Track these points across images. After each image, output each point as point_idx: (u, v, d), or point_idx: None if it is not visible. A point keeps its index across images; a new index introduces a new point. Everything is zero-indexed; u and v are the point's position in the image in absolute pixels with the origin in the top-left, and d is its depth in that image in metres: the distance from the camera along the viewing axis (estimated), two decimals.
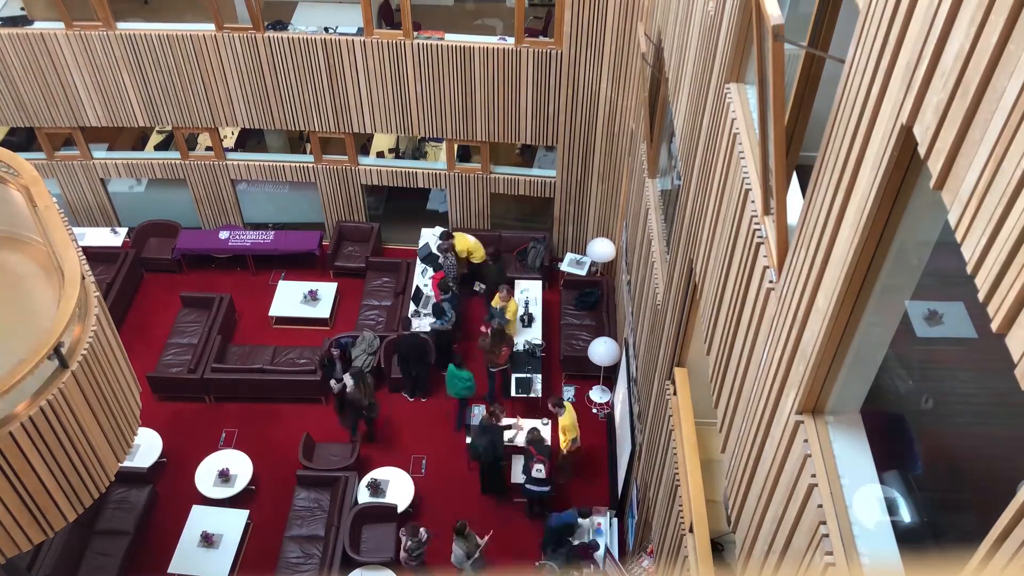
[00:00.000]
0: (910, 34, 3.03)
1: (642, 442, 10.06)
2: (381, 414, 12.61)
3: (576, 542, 10.88)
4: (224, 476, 11.75)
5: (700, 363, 7.38)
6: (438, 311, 12.95)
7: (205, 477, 11.79)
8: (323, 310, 14.08)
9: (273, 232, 14.96)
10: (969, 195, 2.56)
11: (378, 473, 11.86)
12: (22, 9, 13.29)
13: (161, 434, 12.26)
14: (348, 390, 11.84)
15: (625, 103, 12.82)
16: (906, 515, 3.96)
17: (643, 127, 10.75)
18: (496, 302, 12.84)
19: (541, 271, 14.41)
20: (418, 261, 14.42)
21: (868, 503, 3.81)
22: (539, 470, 11.02)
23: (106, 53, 13.07)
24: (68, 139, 14.60)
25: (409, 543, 10.41)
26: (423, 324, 13.46)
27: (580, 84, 12.78)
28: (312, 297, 14.12)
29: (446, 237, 13.75)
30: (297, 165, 14.65)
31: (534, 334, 13.32)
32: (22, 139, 15.04)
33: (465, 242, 13.90)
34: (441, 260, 13.74)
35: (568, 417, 11.50)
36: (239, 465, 11.94)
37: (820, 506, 3.79)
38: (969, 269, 2.55)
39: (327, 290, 14.28)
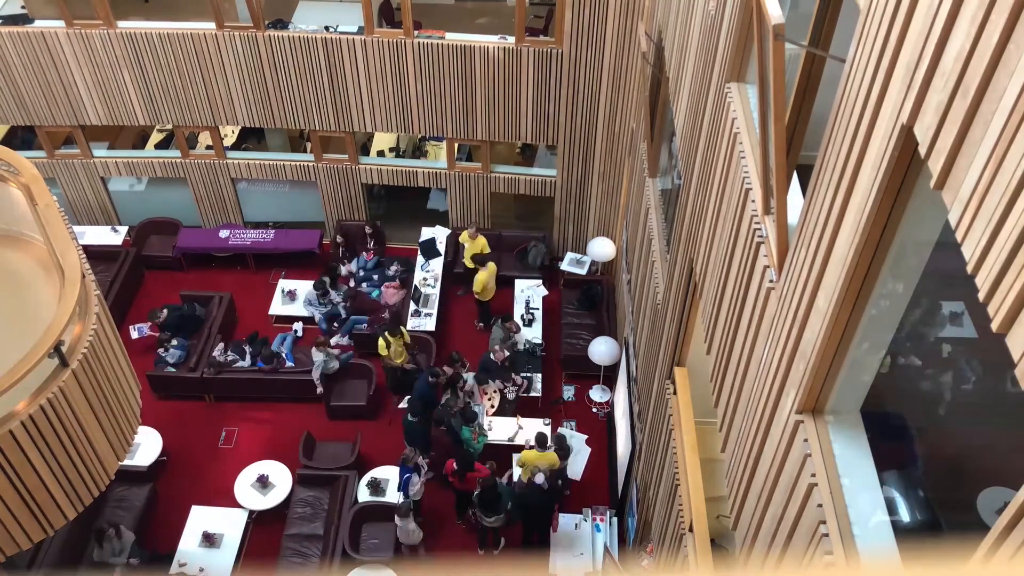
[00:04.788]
0: (911, 34, 3.03)
1: (642, 441, 10.06)
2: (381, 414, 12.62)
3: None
4: (263, 483, 11.67)
5: (700, 363, 7.38)
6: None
7: (243, 482, 11.74)
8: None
9: (273, 231, 14.96)
10: (969, 195, 2.56)
11: (378, 472, 11.85)
12: (23, 7, 13.28)
13: (161, 433, 12.27)
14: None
15: (626, 102, 12.82)
16: (906, 515, 3.97)
17: (643, 126, 10.75)
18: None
19: (541, 271, 14.41)
20: (419, 257, 14.42)
21: (868, 503, 3.81)
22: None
23: (107, 51, 13.07)
24: (68, 138, 14.61)
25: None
26: (423, 323, 13.46)
27: (580, 84, 12.78)
28: (290, 298, 14.10)
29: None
30: (297, 164, 14.64)
31: (534, 334, 13.32)
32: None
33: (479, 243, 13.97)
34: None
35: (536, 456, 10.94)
36: (279, 474, 11.85)
37: (820, 506, 3.79)
38: (969, 269, 2.55)
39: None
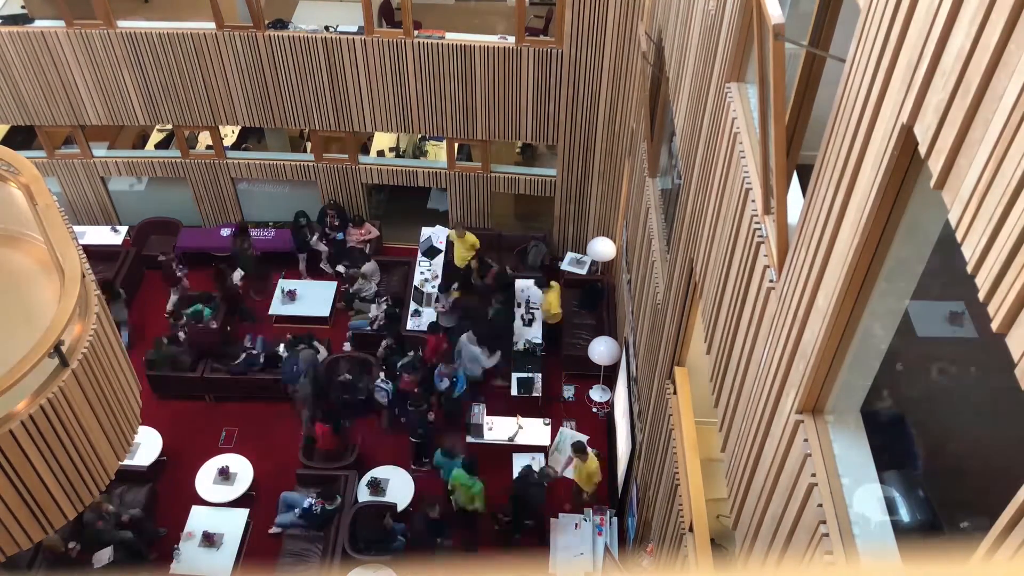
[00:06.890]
0: (911, 34, 3.03)
1: (642, 441, 10.06)
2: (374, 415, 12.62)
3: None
4: (224, 474, 11.73)
5: (700, 362, 7.38)
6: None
7: (205, 478, 11.80)
8: (323, 309, 14.08)
9: (273, 231, 14.95)
10: (969, 195, 2.56)
11: (378, 472, 11.86)
12: (23, 7, 13.29)
13: (161, 433, 12.27)
14: None
15: (626, 102, 12.82)
16: (906, 515, 3.96)
17: (643, 126, 10.75)
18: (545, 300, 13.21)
19: (542, 270, 14.40)
20: (420, 256, 14.42)
21: (868, 503, 3.81)
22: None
23: (107, 51, 13.07)
24: (68, 137, 14.60)
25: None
26: (422, 323, 13.45)
27: (580, 84, 12.78)
28: (290, 298, 14.12)
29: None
30: (297, 164, 14.64)
31: (534, 334, 13.32)
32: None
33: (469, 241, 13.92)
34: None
35: (593, 463, 11.22)
36: (238, 464, 11.95)
37: (820, 506, 3.79)
38: (969, 269, 2.55)
39: (324, 289, 14.27)
